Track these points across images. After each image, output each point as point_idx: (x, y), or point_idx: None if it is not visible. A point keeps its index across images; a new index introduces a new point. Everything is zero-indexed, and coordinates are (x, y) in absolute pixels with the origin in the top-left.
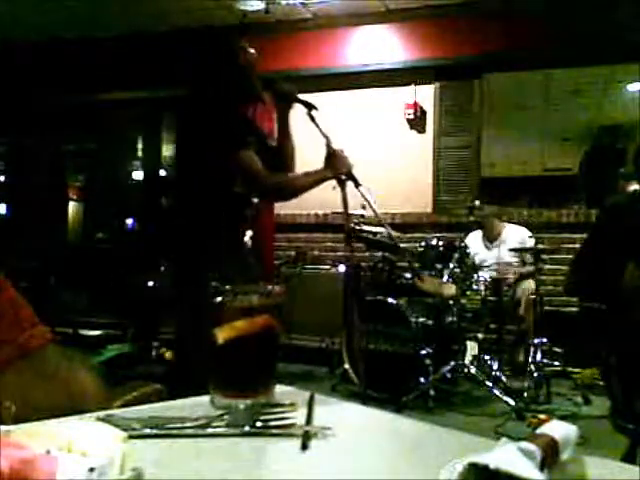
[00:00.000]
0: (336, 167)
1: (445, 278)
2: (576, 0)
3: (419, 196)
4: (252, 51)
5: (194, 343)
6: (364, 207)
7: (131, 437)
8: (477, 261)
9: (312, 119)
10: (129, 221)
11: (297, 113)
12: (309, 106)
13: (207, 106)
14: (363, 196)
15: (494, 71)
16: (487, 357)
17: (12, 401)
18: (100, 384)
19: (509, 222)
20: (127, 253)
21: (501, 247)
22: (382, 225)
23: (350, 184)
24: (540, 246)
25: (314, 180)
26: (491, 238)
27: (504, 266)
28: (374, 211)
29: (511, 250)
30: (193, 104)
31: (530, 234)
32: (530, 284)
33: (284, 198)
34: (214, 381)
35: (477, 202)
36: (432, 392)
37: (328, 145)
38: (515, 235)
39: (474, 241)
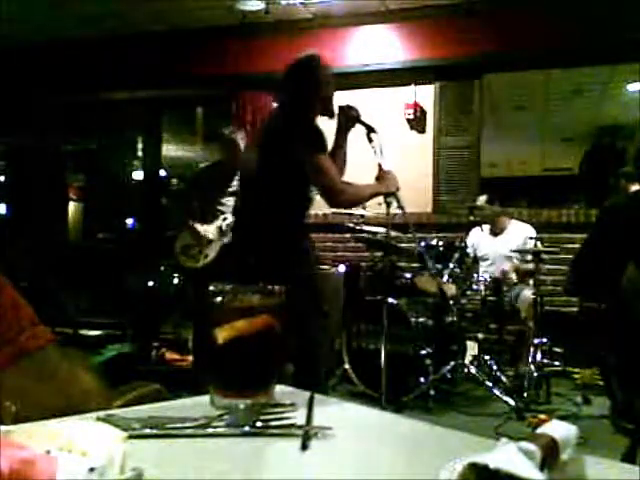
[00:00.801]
0: (388, 185)
1: (445, 278)
2: (576, 0)
3: (419, 196)
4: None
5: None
6: (364, 207)
7: (131, 437)
8: (479, 254)
9: (370, 140)
10: (129, 221)
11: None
12: (369, 128)
13: (293, 114)
14: (404, 217)
15: (494, 71)
16: (487, 357)
17: (12, 401)
18: (100, 384)
19: (516, 219)
20: (127, 253)
21: (504, 242)
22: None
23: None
24: (540, 246)
25: (370, 193)
26: (496, 232)
27: (505, 260)
28: (413, 234)
29: (513, 251)
30: (282, 111)
31: (534, 233)
32: (529, 294)
33: (348, 205)
34: (214, 381)
35: (483, 198)
36: (432, 392)
37: (380, 165)
38: (520, 231)
39: (478, 234)
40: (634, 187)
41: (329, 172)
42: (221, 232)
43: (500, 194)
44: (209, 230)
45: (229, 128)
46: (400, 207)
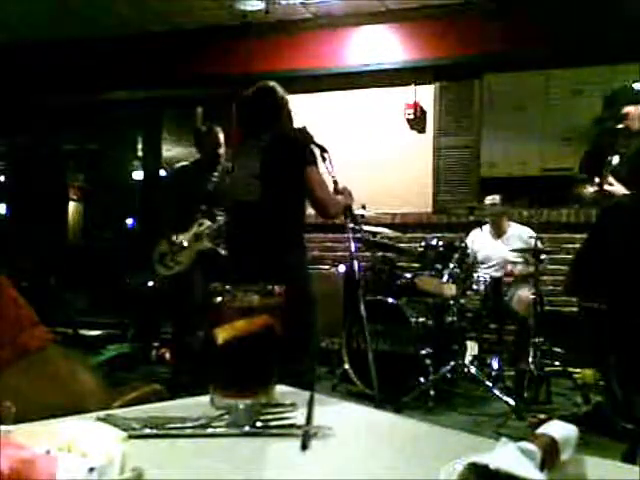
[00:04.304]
0: (347, 199)
1: (445, 278)
2: (576, 0)
3: (419, 196)
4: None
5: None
6: (364, 207)
7: (131, 437)
8: (481, 257)
9: (324, 159)
10: (129, 221)
11: None
12: (322, 149)
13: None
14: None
15: (494, 71)
16: (487, 357)
17: (12, 401)
18: (100, 384)
19: (514, 221)
20: (127, 253)
21: (507, 245)
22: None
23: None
24: (540, 246)
25: (343, 206)
26: (498, 235)
27: (508, 263)
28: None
29: (512, 250)
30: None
31: (533, 234)
32: (527, 294)
33: (334, 216)
34: (214, 381)
35: (497, 198)
36: (432, 392)
37: (336, 181)
38: (520, 233)
39: (480, 236)
40: (590, 189)
41: (323, 183)
42: (196, 238)
43: (500, 194)
44: (185, 237)
45: (206, 124)
46: (354, 221)
